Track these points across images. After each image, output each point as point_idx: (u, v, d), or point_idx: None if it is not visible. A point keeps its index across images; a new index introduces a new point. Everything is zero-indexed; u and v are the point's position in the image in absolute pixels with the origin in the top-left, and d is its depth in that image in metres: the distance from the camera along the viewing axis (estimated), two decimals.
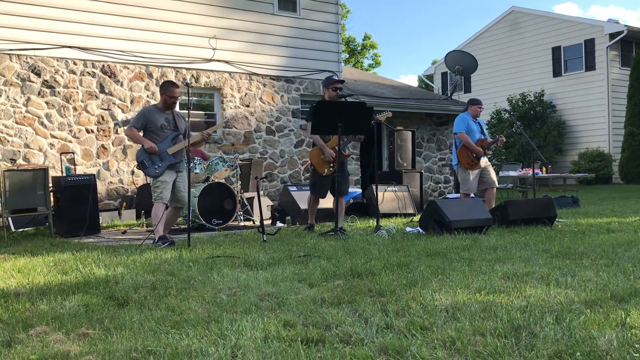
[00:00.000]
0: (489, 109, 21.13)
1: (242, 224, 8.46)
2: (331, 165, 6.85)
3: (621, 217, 7.88)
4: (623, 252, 4.76)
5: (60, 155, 9.62)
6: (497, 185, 8.38)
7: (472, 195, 8.31)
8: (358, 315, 2.93)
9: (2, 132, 9.27)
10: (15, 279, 4.25)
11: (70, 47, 9.86)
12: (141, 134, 6.37)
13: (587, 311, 2.85)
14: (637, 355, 2.24)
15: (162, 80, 9.74)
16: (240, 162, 9.28)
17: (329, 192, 7.09)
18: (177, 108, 10.69)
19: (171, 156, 6.31)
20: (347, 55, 36.50)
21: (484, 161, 8.19)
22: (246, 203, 8.94)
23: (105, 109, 10.21)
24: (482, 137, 8.15)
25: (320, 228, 7.32)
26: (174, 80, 6.29)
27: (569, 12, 63.48)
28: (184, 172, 6.44)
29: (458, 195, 11.11)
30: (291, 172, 12.28)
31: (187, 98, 6.53)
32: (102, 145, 10.16)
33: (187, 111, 6.31)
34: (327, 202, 7.46)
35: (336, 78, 7.16)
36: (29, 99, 9.52)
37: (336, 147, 6.73)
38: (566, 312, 2.83)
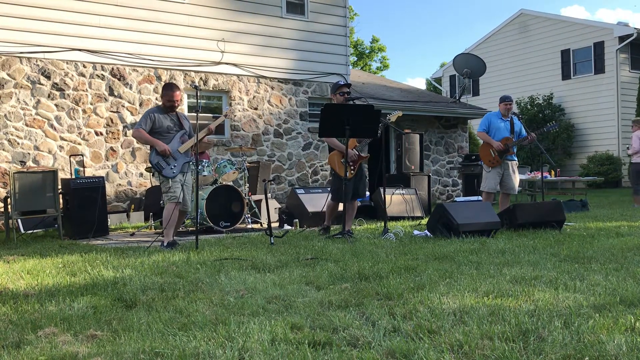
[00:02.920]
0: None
1: (249, 226, 8.47)
2: (352, 167, 6.78)
3: (631, 221, 7.82)
4: (632, 256, 4.73)
5: (70, 157, 9.68)
6: (515, 192, 8.34)
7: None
8: (365, 319, 2.93)
9: (12, 135, 9.34)
10: (25, 280, 4.27)
11: (79, 50, 9.92)
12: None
13: (596, 315, 2.83)
14: None
15: None
16: (248, 164, 9.30)
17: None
18: (185, 111, 10.79)
19: (183, 155, 6.32)
20: (355, 58, 36.49)
21: (512, 163, 8.15)
22: (254, 205, 8.96)
23: (114, 112, 10.27)
24: (509, 136, 8.09)
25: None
26: (173, 83, 6.25)
27: (576, 15, 63.25)
28: (189, 175, 6.45)
29: (466, 198, 11.07)
30: (299, 174, 12.29)
31: (195, 101, 6.54)
32: (111, 148, 10.21)
33: (195, 113, 6.32)
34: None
35: (342, 83, 7.15)
36: (38, 102, 9.59)
37: (351, 150, 6.71)
38: (575, 317, 2.81)
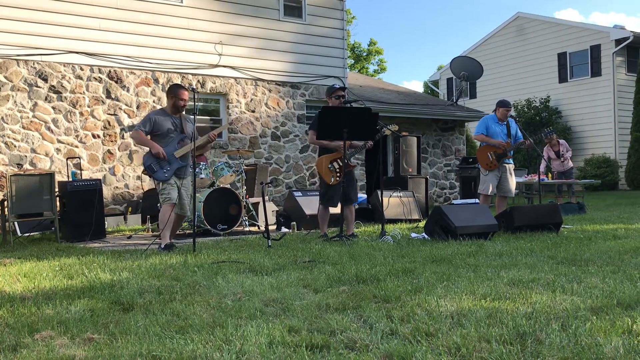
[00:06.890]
0: None
1: (247, 229, 8.46)
2: (338, 174, 6.77)
3: (627, 224, 7.84)
4: (629, 258, 4.73)
5: (67, 160, 9.66)
6: (512, 195, 8.33)
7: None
8: (363, 321, 2.93)
9: (9, 137, 9.32)
10: (21, 283, 4.26)
11: (77, 52, 9.92)
12: (148, 137, 6.35)
13: (593, 318, 2.83)
14: None
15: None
16: (245, 167, 9.30)
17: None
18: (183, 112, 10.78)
19: (178, 159, 6.29)
20: (353, 61, 36.51)
21: (509, 167, 8.15)
22: (251, 208, 8.95)
23: (111, 114, 10.26)
24: (506, 140, 8.07)
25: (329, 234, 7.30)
26: (179, 83, 6.26)
27: (570, 18, 63.39)
28: (188, 179, 6.42)
29: (464, 201, 11.09)
30: (296, 177, 12.29)
31: (193, 103, 6.54)
32: (108, 150, 10.20)
33: (193, 116, 6.33)
34: (334, 208, 7.42)
35: (337, 86, 7.13)
36: (35, 104, 9.57)
37: (342, 157, 6.68)
38: (572, 319, 2.81)
